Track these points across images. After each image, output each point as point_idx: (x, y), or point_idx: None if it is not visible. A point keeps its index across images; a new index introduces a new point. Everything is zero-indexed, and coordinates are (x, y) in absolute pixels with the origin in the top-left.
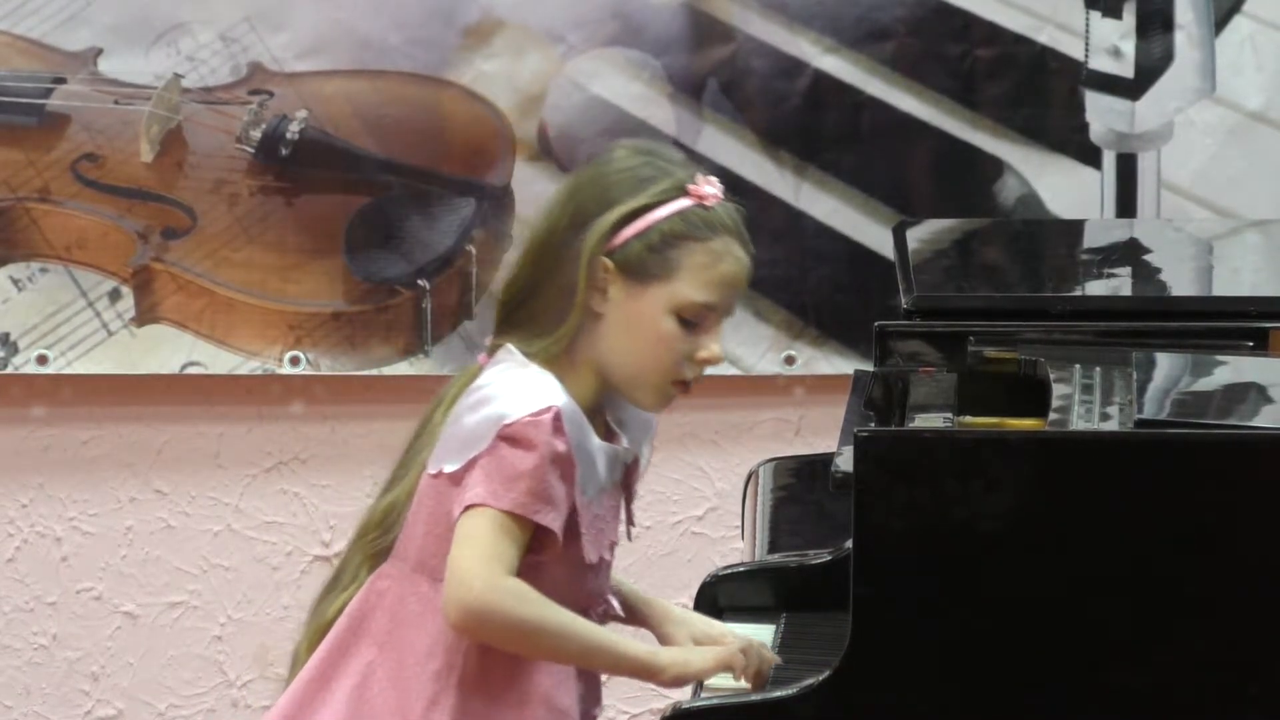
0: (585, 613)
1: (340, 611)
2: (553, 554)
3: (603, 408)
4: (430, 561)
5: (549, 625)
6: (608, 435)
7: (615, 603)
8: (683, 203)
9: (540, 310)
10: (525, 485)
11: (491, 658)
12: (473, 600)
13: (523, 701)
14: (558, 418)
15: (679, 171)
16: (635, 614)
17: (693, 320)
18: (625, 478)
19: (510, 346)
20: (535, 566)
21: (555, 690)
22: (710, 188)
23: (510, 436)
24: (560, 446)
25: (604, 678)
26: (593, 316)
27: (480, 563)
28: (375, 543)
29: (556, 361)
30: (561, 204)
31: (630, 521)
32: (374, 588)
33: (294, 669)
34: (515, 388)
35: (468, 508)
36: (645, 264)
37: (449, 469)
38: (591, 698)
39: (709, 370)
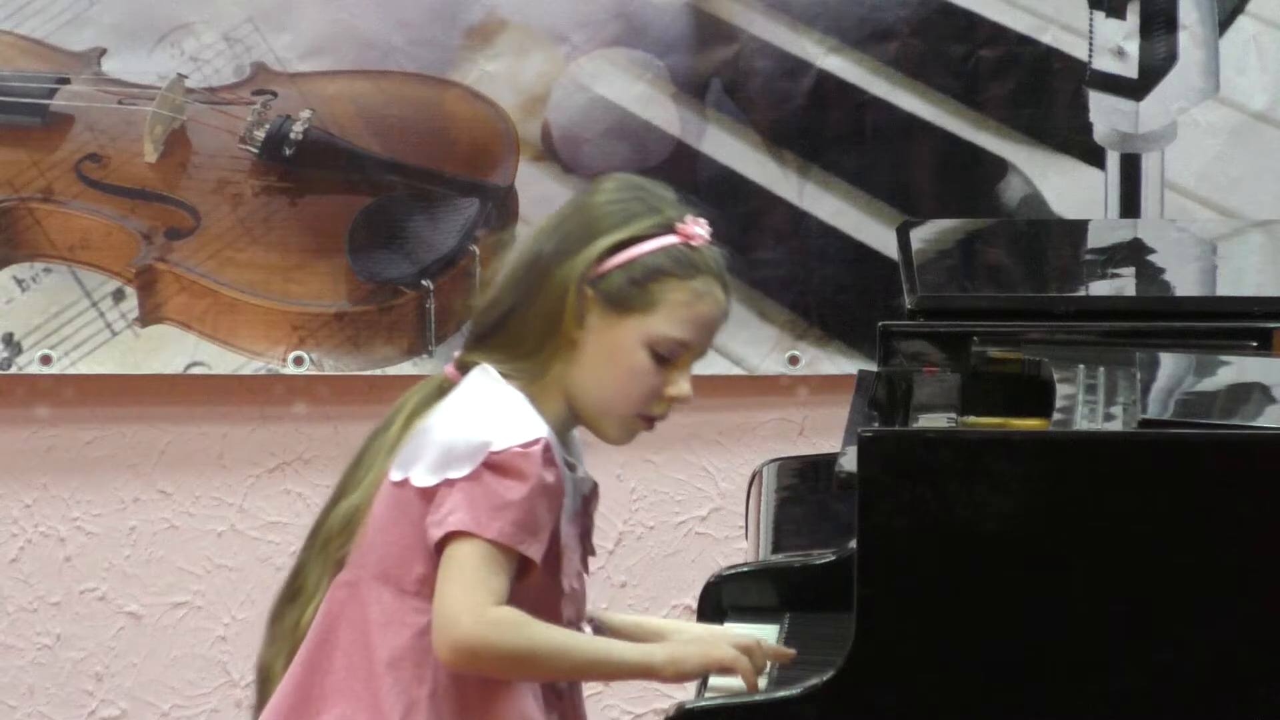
0: None
1: (309, 625)
2: (531, 582)
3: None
4: (394, 571)
5: (541, 649)
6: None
7: (588, 630)
8: (669, 240)
9: (518, 333)
10: (512, 515)
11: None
12: (461, 637)
13: (495, 712)
14: (547, 448)
15: (669, 209)
16: (629, 637)
17: (666, 356)
18: (584, 507)
19: (487, 366)
20: (513, 593)
21: (526, 701)
22: (699, 228)
23: (498, 465)
24: (550, 478)
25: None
26: (569, 345)
27: (465, 598)
28: (340, 550)
29: (529, 388)
30: (549, 230)
31: (590, 552)
32: (334, 598)
33: (267, 685)
34: (500, 413)
35: (451, 535)
36: (625, 295)
37: (419, 482)
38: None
39: (711, 370)
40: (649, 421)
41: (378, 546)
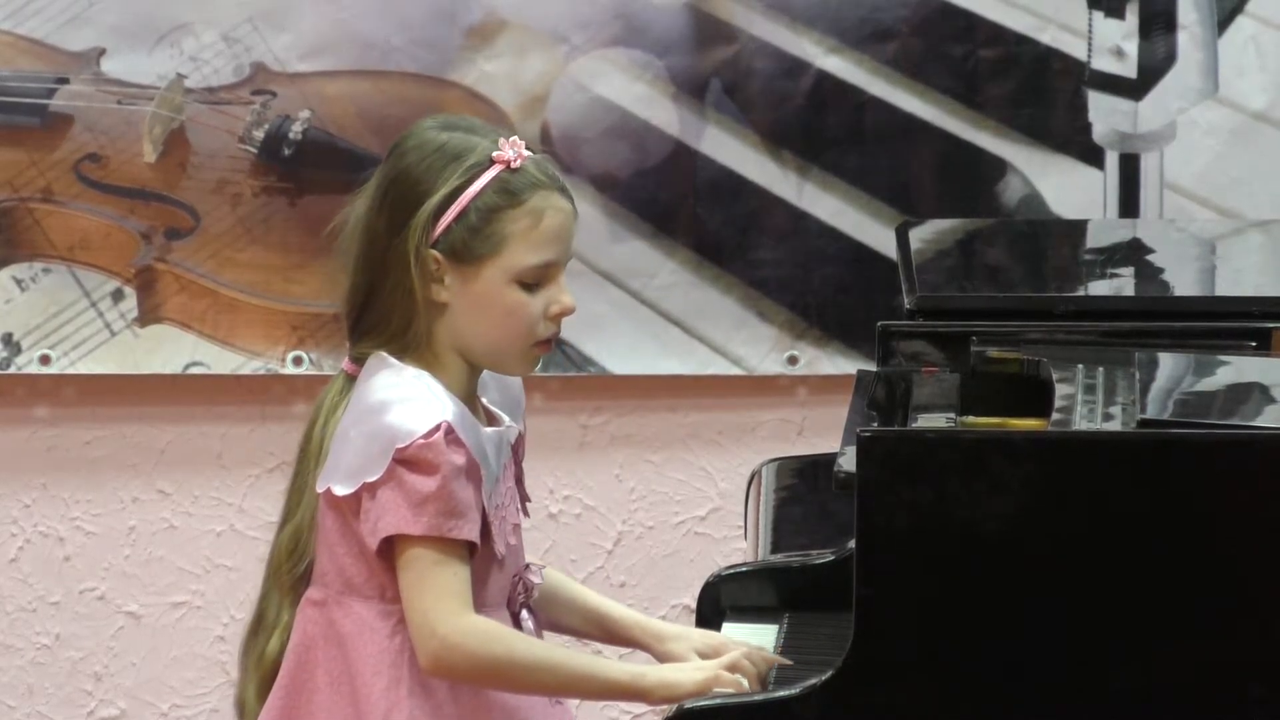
0: (510, 601)
1: (281, 651)
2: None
3: (476, 391)
4: (354, 581)
5: (522, 661)
6: (488, 419)
7: (531, 576)
8: (491, 173)
9: (386, 312)
10: (433, 507)
11: None
12: (438, 648)
13: (475, 706)
14: (450, 431)
15: (481, 141)
16: (631, 636)
17: (535, 282)
18: (512, 455)
19: (384, 355)
20: None
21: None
22: (513, 150)
23: (407, 460)
24: (460, 460)
25: None
26: (438, 307)
27: (435, 608)
28: (291, 573)
29: (421, 358)
30: (375, 206)
31: (525, 498)
32: (306, 618)
33: (243, 717)
34: (401, 404)
35: (390, 540)
36: (471, 246)
37: (340, 491)
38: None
39: (710, 370)
40: (545, 344)
41: (333, 560)
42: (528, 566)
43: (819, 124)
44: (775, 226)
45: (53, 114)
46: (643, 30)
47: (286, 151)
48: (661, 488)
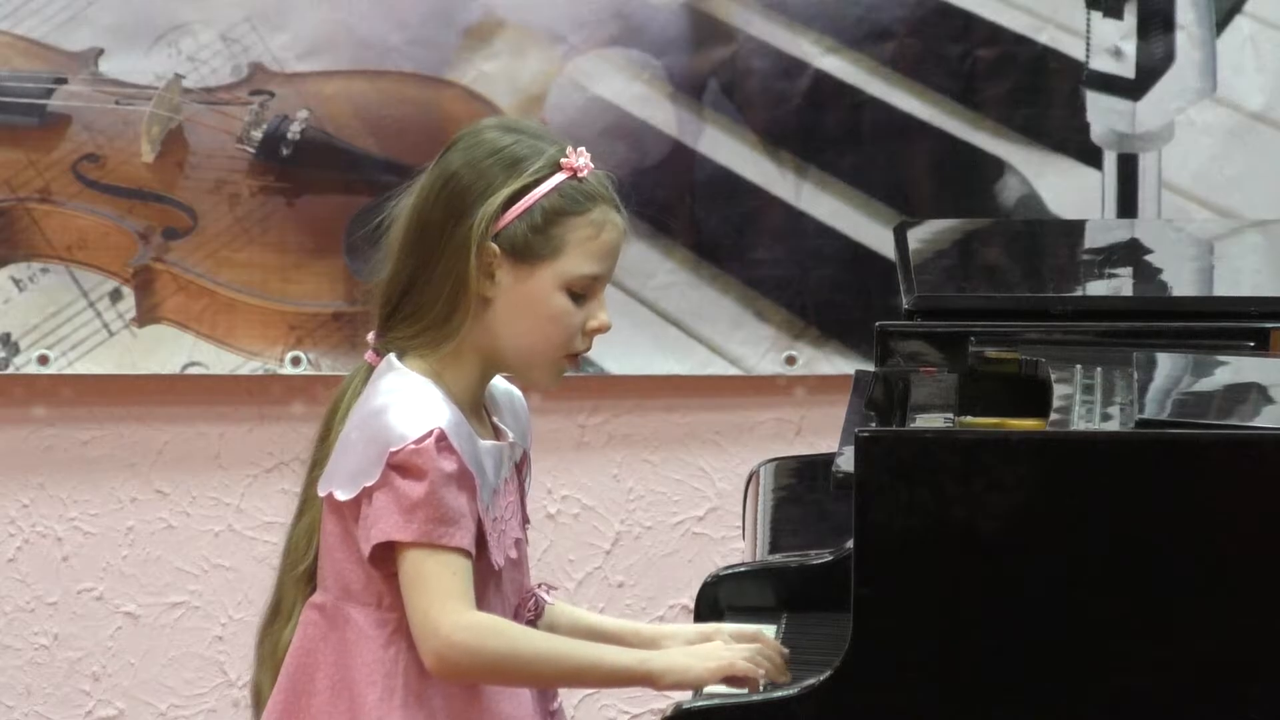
0: (515, 613)
1: (288, 645)
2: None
3: (483, 401)
4: (353, 588)
5: (526, 653)
6: (495, 433)
7: (544, 595)
8: (558, 178)
9: (425, 302)
10: (423, 514)
11: (430, 677)
12: (441, 647)
13: (467, 715)
14: (441, 438)
15: (549, 147)
16: (625, 643)
17: (581, 293)
18: (516, 473)
19: (391, 357)
20: None
21: (502, 701)
22: (582, 159)
23: (399, 465)
24: (449, 467)
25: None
26: (481, 303)
27: (437, 607)
28: (305, 565)
29: (441, 354)
30: (435, 192)
31: (526, 520)
32: (309, 620)
33: (259, 705)
34: (398, 408)
35: (383, 546)
36: (531, 245)
37: (341, 496)
38: (547, 695)
39: (708, 370)
40: (574, 358)
41: (333, 565)
42: (540, 585)
43: (817, 124)
44: (773, 226)
45: (51, 114)
46: (640, 30)
47: (284, 151)
48: (659, 488)
